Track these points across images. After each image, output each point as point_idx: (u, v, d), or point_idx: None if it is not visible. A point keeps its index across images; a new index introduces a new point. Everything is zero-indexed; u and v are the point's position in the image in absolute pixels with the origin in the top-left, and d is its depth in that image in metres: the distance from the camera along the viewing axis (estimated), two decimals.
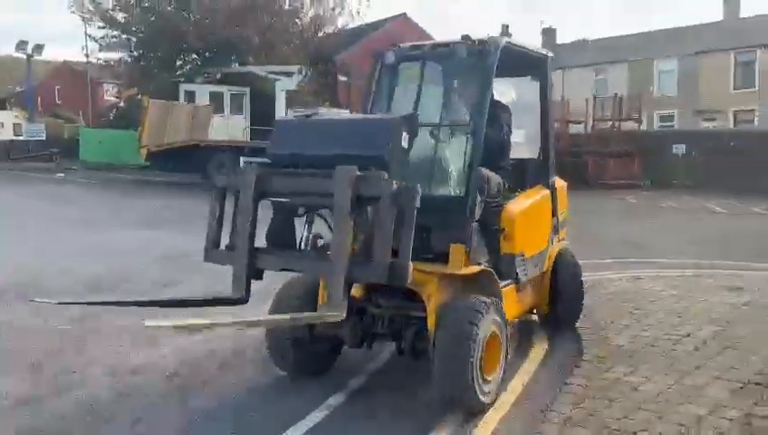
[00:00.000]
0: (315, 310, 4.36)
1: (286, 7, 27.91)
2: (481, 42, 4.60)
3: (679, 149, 24.55)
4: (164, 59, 26.89)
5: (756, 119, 31.47)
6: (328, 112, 23.16)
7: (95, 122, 37.40)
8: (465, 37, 4.60)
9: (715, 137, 25.41)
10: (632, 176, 23.79)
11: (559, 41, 44.56)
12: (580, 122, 26.66)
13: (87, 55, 29.60)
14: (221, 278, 7.25)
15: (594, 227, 13.31)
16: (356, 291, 4.49)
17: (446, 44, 4.83)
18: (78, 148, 26.92)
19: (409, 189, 3.65)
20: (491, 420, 4.09)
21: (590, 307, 6.45)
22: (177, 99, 23.42)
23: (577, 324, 5.90)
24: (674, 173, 24.23)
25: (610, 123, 26.22)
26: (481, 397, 4.08)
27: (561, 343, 5.58)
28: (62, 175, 23.62)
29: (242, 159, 18.95)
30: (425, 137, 4.45)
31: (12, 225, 12.09)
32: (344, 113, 23.66)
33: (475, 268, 4.41)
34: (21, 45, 29.71)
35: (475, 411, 4.09)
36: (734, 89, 32.65)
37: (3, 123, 35.51)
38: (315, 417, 4.14)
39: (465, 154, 4.56)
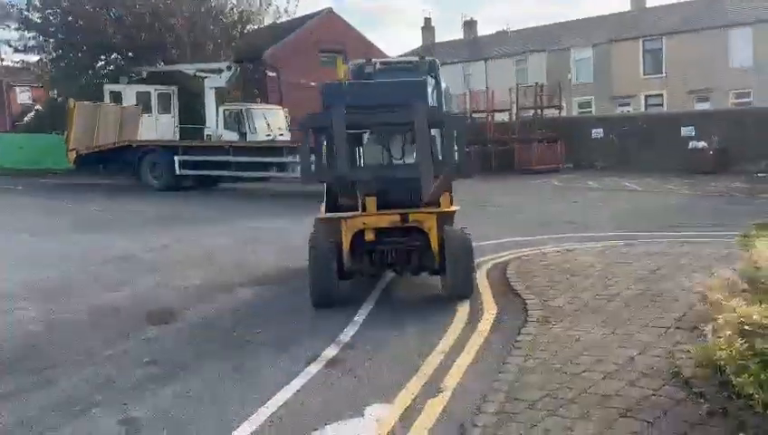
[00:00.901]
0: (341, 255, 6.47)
1: (212, 4, 27.61)
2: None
3: (598, 133, 26.01)
4: (85, 59, 26.09)
5: (665, 102, 33.59)
6: (261, 107, 23.37)
7: (8, 127, 35.75)
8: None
9: (629, 121, 27.03)
10: (556, 160, 25.01)
11: (480, 32, 45.88)
12: (504, 111, 27.73)
13: (2, 59, 28.28)
14: (170, 277, 7.61)
15: (525, 208, 14.18)
16: (368, 236, 6.46)
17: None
18: None
19: (460, 117, 7.07)
20: (457, 369, 4.63)
21: (531, 276, 7.10)
22: (101, 100, 22.86)
23: (520, 292, 6.52)
24: (594, 156, 25.67)
25: (533, 111, 27.41)
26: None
27: (508, 308, 6.17)
28: None
29: (176, 159, 18.81)
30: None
31: None
32: (275, 109, 23.89)
33: (456, 207, 6.77)
34: None
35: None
36: (644, 75, 34.67)
37: None
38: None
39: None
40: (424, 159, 5.98)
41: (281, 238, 10.64)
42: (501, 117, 28.19)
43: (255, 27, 29.36)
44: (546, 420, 3.75)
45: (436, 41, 47.71)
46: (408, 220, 6.47)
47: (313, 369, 4.82)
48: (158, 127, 23.77)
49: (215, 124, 22.51)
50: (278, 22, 30.11)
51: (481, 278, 7.39)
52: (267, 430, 3.90)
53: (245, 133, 21.40)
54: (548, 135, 25.72)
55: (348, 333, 5.63)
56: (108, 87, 24.18)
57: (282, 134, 21.76)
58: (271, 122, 22.09)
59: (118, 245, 10.29)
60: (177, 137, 23.54)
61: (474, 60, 40.84)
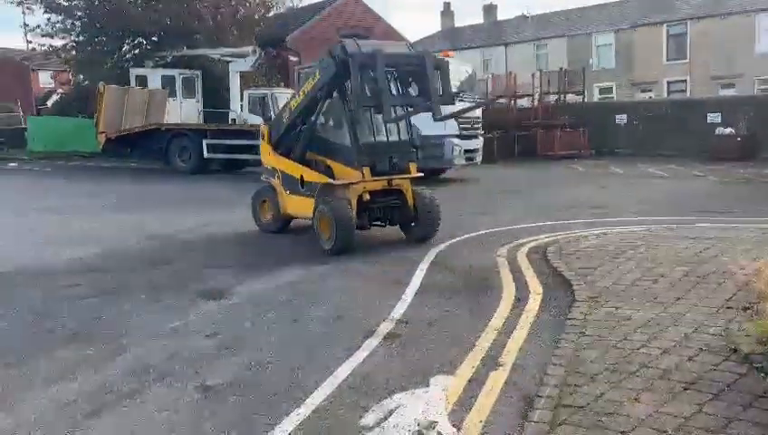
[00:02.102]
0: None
1: None
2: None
3: (621, 119, 25.89)
4: (110, 43, 26.34)
5: (688, 89, 33.29)
6: (285, 91, 23.47)
7: (32, 111, 36.17)
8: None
9: (654, 106, 26.86)
10: (579, 146, 24.96)
11: (500, 17, 45.61)
12: (526, 96, 27.64)
13: (29, 41, 28.53)
14: (212, 254, 7.80)
15: (552, 193, 14.25)
16: (365, 197, 8.40)
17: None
18: (23, 137, 26.19)
19: (444, 60, 9.04)
20: (514, 344, 4.77)
21: (572, 258, 7.21)
22: (126, 84, 23.11)
23: (564, 273, 6.64)
24: (617, 142, 25.59)
25: (556, 96, 27.31)
26: None
27: (554, 288, 6.29)
28: (15, 165, 23.03)
29: (204, 142, 19.03)
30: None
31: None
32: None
33: (420, 173, 8.90)
34: None
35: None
36: (667, 60, 34.35)
37: None
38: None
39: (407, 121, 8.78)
40: (433, 92, 8.00)
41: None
42: (523, 103, 28.12)
43: (278, 11, 29.44)
44: (610, 392, 3.87)
45: (456, 25, 47.49)
46: (392, 184, 8.66)
47: (373, 342, 4.98)
48: (183, 111, 23.98)
49: (239, 108, 22.72)
50: (299, 6, 30.19)
51: (521, 260, 7.52)
52: (342, 395, 4.06)
53: (270, 118, 21.48)
54: (571, 121, 25.64)
55: (399, 310, 5.77)
56: (134, 71, 24.42)
57: None
58: None
59: (154, 225, 10.50)
60: (202, 121, 23.76)
61: (493, 45, 40.68)
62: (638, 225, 9.66)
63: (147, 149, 20.87)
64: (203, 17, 25.42)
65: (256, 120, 21.80)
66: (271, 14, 29.09)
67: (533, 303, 5.89)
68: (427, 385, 4.19)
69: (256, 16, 27.84)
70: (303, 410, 3.88)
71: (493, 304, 5.91)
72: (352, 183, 8.37)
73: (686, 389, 3.86)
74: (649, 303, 5.54)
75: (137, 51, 26.97)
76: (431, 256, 7.88)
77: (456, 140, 16.20)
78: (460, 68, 17.06)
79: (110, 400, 4.10)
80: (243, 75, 23.71)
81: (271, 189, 9.68)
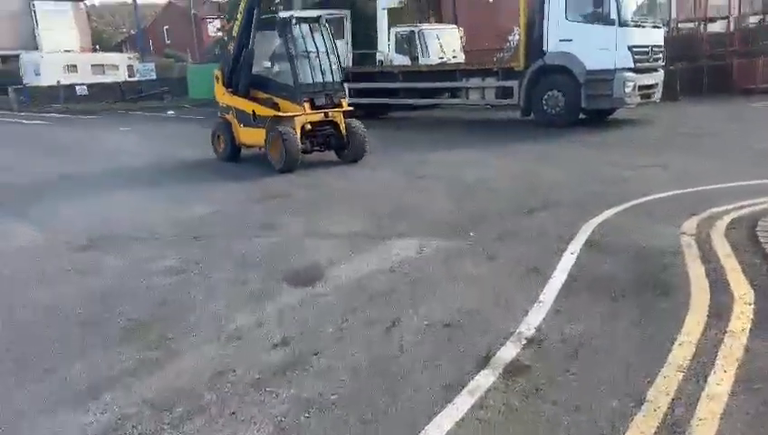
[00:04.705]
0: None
1: None
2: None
3: None
4: None
5: None
6: (434, 27, 21.72)
7: (202, 59, 37.68)
8: None
9: None
10: None
11: None
12: (720, 19, 23.26)
13: None
14: (324, 222, 6.45)
15: (753, 140, 11.27)
16: (307, 127, 10.26)
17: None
18: (187, 86, 27.07)
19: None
20: (714, 402, 2.96)
21: None
22: None
23: None
24: None
25: (759, 18, 22.65)
26: None
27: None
28: (173, 113, 23.77)
29: (346, 86, 17.91)
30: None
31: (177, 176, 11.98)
32: (449, 29, 22.07)
33: (351, 108, 10.73)
34: None
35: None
36: None
37: (117, 66, 36.63)
38: None
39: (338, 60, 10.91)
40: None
41: (454, 176, 9.25)
42: (714, 27, 23.72)
43: None
44: None
45: None
46: (328, 116, 10.43)
47: (484, 381, 3.40)
48: None
49: (386, 48, 21.35)
50: None
51: (717, 241, 5.43)
52: None
53: (417, 57, 19.97)
54: None
55: (532, 321, 4.12)
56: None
57: (455, 56, 20.04)
58: (444, 44, 20.40)
59: (274, 182, 9.59)
60: (350, 63, 22.72)
61: None
62: None
63: None
64: None
65: (403, 59, 20.43)
66: None
67: (740, 320, 3.93)
68: None
69: None
70: None
71: (674, 317, 4.05)
72: (296, 115, 10.15)
73: None
74: None
75: None
76: (586, 231, 6.00)
77: (629, 74, 13.47)
78: None
79: None
80: (392, 12, 22.20)
81: (225, 125, 11.49)
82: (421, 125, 17.53)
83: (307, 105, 10.14)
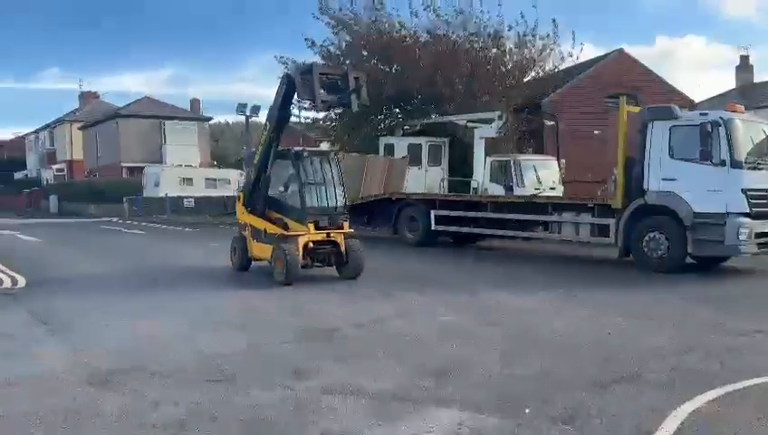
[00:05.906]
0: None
1: (491, 54, 26.28)
2: None
3: None
4: (366, 114, 26.76)
5: None
6: (531, 158, 21.22)
7: None
8: None
9: None
10: None
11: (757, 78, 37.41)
12: None
13: (298, 117, 30.75)
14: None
15: None
16: (309, 245, 11.52)
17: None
18: None
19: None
20: None
21: None
22: (377, 152, 23.04)
23: None
24: None
25: None
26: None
27: None
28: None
29: (432, 213, 17.50)
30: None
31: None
32: (548, 160, 21.43)
33: (352, 230, 12.18)
34: (240, 108, 31.94)
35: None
36: None
37: (229, 180, 38.76)
38: None
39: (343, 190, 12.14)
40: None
41: (524, 325, 8.16)
42: None
43: (535, 75, 27.28)
44: None
45: (755, 81, 40.26)
46: (329, 236, 11.67)
47: None
48: (427, 179, 22.97)
49: (481, 176, 20.97)
50: (560, 68, 27.55)
51: None
52: None
53: (512, 187, 19.36)
54: None
55: None
56: (383, 140, 24.36)
57: (553, 188, 19.25)
58: (542, 175, 19.78)
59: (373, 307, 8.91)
60: (446, 190, 22.44)
61: None
62: None
63: (382, 219, 20.03)
64: (453, 86, 24.43)
65: (497, 188, 19.85)
66: (528, 78, 27.01)
67: None
68: None
69: (509, 80, 26.06)
70: None
71: None
72: (300, 235, 11.38)
73: None
74: None
75: (390, 120, 27.08)
76: (672, 424, 4.70)
77: (744, 220, 11.96)
78: (757, 126, 12.96)
79: None
80: (489, 141, 22.00)
81: (241, 239, 12.82)
82: (505, 257, 16.50)
83: (311, 226, 11.37)
